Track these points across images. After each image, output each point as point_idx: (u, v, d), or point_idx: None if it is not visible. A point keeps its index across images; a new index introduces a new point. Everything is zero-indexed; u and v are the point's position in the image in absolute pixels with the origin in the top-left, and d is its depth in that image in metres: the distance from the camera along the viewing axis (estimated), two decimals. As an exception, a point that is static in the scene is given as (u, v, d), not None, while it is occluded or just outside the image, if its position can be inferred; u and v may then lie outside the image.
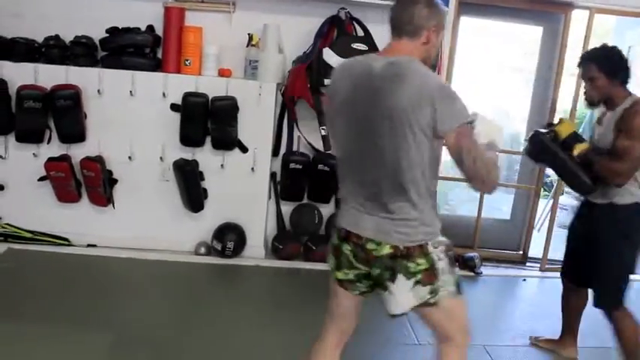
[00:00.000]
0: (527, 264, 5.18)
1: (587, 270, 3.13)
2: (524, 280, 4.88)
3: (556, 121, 3.37)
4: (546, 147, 3.02)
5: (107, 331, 3.19)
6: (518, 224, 5.28)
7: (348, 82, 2.10)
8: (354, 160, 2.13)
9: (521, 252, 5.25)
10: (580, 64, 3.05)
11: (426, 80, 1.95)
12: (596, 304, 3.10)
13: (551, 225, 5.16)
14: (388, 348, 3.45)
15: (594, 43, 4.83)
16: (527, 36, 5.16)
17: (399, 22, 2.09)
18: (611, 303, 3.04)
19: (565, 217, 6.73)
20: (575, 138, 2.99)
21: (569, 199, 7.03)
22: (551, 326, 3.71)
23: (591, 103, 3.05)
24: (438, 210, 2.15)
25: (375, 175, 2.05)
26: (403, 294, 2.06)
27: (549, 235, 5.08)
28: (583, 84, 3.07)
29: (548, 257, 5.07)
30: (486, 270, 4.83)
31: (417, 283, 2.03)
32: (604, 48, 3.10)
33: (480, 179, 1.94)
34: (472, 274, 4.65)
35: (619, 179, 2.85)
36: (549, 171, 5.37)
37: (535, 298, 4.72)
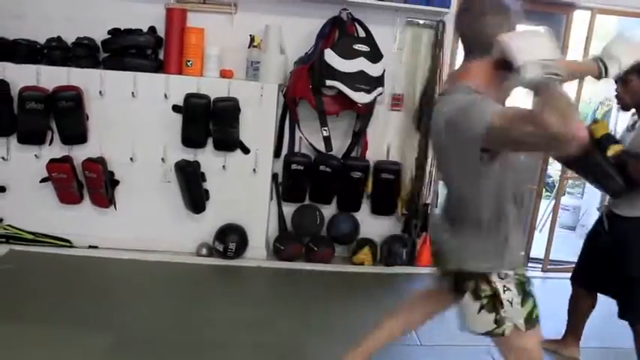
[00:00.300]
0: (529, 265, 5.17)
1: (608, 280, 3.08)
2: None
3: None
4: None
5: (108, 332, 3.19)
6: (519, 225, 5.26)
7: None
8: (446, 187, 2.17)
9: (522, 253, 5.23)
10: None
11: (449, 106, 1.83)
12: (622, 317, 3.06)
13: (552, 226, 5.15)
14: (390, 349, 3.43)
15: (594, 44, 4.85)
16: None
17: (466, 39, 1.90)
18: (638, 317, 2.99)
19: (567, 218, 6.75)
20: (610, 139, 2.89)
21: (572, 200, 7.04)
22: (554, 327, 3.69)
23: (624, 107, 2.97)
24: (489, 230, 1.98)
25: (446, 203, 2.17)
26: (470, 314, 2.02)
27: (551, 236, 5.07)
28: (615, 87, 2.94)
29: (550, 258, 5.06)
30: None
31: (483, 307, 1.97)
32: None
33: (561, 144, 1.52)
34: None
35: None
36: (551, 171, 5.36)
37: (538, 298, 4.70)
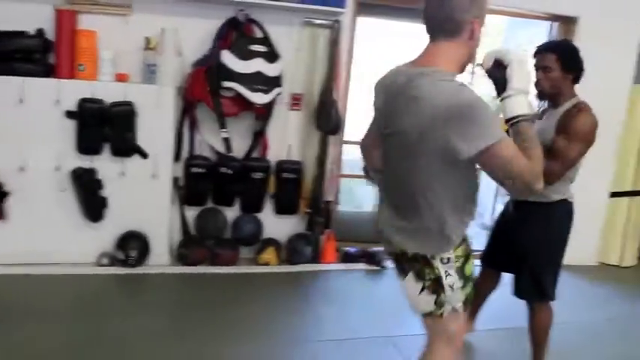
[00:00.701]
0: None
1: (513, 260, 3.16)
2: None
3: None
4: None
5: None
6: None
7: (382, 97, 2.03)
8: (386, 172, 2.13)
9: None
10: (537, 53, 2.96)
11: (435, 104, 1.76)
12: (519, 295, 3.17)
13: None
14: (298, 346, 3.49)
15: (488, 43, 5.07)
16: (423, 35, 5.32)
17: (435, 20, 1.86)
18: (536, 295, 3.13)
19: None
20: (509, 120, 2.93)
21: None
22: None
23: (541, 94, 2.99)
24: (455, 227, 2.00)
25: (398, 191, 2.07)
26: (412, 294, 2.11)
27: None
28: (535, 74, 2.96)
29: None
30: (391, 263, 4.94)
31: (424, 288, 2.05)
32: (567, 42, 3.15)
33: (521, 192, 1.89)
34: (378, 268, 4.76)
35: (551, 178, 2.72)
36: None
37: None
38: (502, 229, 3.37)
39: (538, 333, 3.23)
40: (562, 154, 2.83)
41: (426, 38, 1.94)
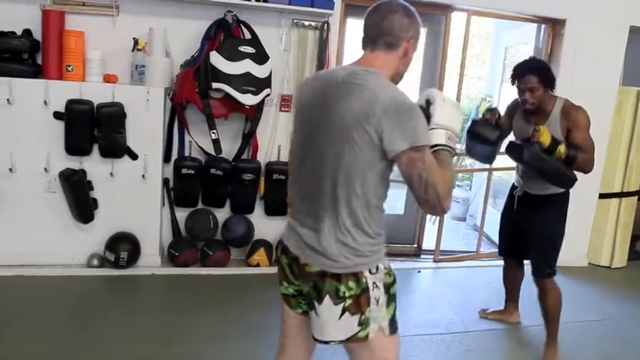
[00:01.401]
0: (422, 256, 5.37)
1: (529, 247, 3.59)
2: (419, 271, 5.06)
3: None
4: (541, 158, 3.24)
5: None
6: (412, 218, 5.46)
7: (311, 90, 1.99)
8: (299, 171, 2.01)
9: (415, 245, 5.43)
10: (519, 76, 3.36)
11: (377, 94, 1.78)
12: (539, 274, 3.54)
13: (442, 217, 5.37)
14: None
15: (478, 44, 5.09)
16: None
17: (376, 32, 1.94)
18: (549, 273, 3.51)
19: (457, 210, 7.05)
20: (555, 141, 3.22)
21: (461, 192, 7.37)
22: (446, 314, 3.88)
23: (531, 111, 3.41)
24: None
25: (314, 189, 1.91)
26: (330, 321, 1.89)
27: (441, 227, 5.28)
28: (518, 92, 3.41)
29: (441, 249, 5.27)
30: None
31: (345, 310, 1.85)
32: (538, 60, 3.53)
33: (431, 206, 1.78)
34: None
35: (591, 167, 3.34)
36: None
37: (430, 288, 4.89)
38: (514, 222, 3.73)
39: (553, 310, 3.53)
40: (587, 145, 3.29)
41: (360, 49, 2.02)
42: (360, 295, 1.86)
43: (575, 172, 3.33)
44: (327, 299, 1.86)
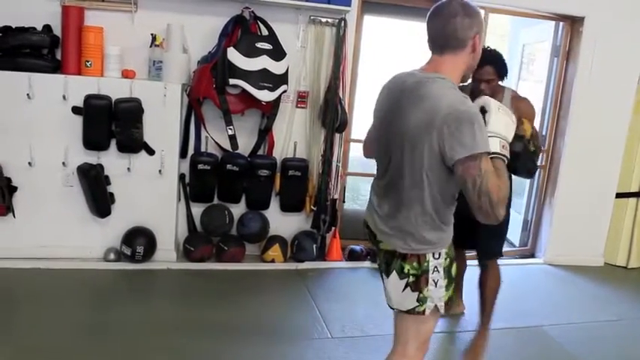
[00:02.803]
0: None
1: (483, 235, 3.43)
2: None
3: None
4: (528, 149, 3.16)
5: (6, 344, 3.07)
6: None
7: (386, 97, 2.15)
8: (380, 168, 2.20)
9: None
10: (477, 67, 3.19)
11: (439, 103, 1.89)
12: (487, 257, 3.58)
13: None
14: (302, 342, 3.50)
15: (494, 42, 5.07)
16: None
17: (441, 38, 2.02)
18: (497, 254, 3.59)
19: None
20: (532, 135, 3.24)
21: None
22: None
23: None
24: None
25: (394, 184, 2.09)
26: (395, 292, 2.13)
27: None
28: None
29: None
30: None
31: (408, 286, 2.08)
32: (496, 52, 3.45)
33: (484, 213, 1.87)
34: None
35: (539, 152, 3.35)
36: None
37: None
38: (461, 210, 3.53)
39: (493, 289, 3.54)
40: (537, 136, 3.21)
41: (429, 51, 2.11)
42: (421, 275, 2.07)
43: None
44: (393, 274, 2.12)
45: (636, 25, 5.10)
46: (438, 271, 2.07)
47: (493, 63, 3.35)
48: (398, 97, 2.05)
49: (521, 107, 3.34)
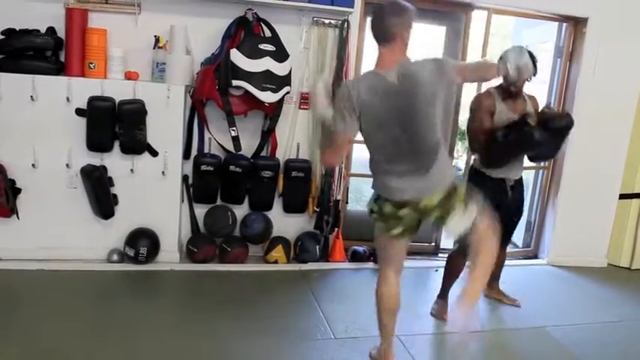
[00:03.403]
0: (440, 255, 5.35)
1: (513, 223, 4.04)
2: (437, 270, 5.03)
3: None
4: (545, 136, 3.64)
5: (11, 345, 3.08)
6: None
7: (377, 97, 2.66)
8: (400, 149, 2.73)
9: (433, 244, 5.42)
10: None
11: (425, 64, 2.68)
12: (509, 241, 4.21)
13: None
14: (305, 343, 3.50)
15: (497, 43, 5.05)
16: (432, 35, 5.33)
17: (381, 34, 2.70)
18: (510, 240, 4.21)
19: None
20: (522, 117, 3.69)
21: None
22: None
23: (514, 96, 3.80)
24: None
25: (418, 153, 2.72)
26: (460, 216, 2.73)
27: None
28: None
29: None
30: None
31: (464, 203, 2.74)
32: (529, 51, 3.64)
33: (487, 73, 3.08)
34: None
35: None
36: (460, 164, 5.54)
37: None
38: (509, 209, 3.91)
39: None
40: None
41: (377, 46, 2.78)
42: (467, 191, 2.81)
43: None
44: (456, 205, 2.74)
45: (639, 25, 5.09)
46: (468, 186, 2.89)
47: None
48: (394, 88, 2.65)
49: (532, 98, 3.90)
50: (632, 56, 5.13)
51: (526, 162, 4.01)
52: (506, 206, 3.83)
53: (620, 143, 5.27)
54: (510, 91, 3.75)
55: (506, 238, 4.01)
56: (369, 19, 4.76)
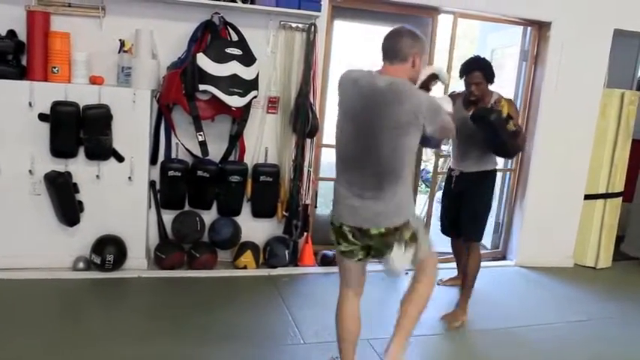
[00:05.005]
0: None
1: (464, 220, 4.14)
2: (407, 273, 5.04)
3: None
4: (502, 122, 3.73)
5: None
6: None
7: (355, 91, 2.69)
8: (355, 157, 2.72)
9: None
10: (467, 72, 3.95)
11: (419, 99, 2.63)
12: (467, 241, 4.19)
13: (428, 219, 5.39)
14: (275, 348, 3.48)
15: (465, 46, 5.10)
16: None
17: (391, 51, 2.68)
18: (479, 237, 4.19)
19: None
20: (509, 115, 3.80)
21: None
22: (434, 313, 3.88)
23: (475, 101, 3.97)
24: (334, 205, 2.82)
25: (373, 168, 2.65)
26: (399, 257, 2.70)
27: (427, 229, 5.28)
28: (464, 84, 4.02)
29: (428, 251, 5.27)
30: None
31: (406, 245, 2.69)
32: (484, 59, 4.03)
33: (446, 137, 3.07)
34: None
35: (524, 146, 4.40)
36: (429, 168, 5.56)
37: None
38: (454, 201, 4.23)
39: (474, 268, 4.10)
40: (520, 129, 3.95)
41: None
42: (412, 236, 2.73)
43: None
44: (395, 245, 2.68)
45: (602, 29, 5.20)
46: (419, 227, 2.80)
47: (481, 69, 3.91)
48: (369, 96, 2.62)
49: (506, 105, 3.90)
50: (594, 59, 5.24)
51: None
52: (449, 196, 4.30)
53: (584, 144, 5.36)
54: (467, 93, 4.04)
55: (458, 231, 4.25)
56: (336, 22, 4.83)
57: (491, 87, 4.01)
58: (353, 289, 2.95)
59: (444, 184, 4.50)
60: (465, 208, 4.12)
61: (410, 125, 2.58)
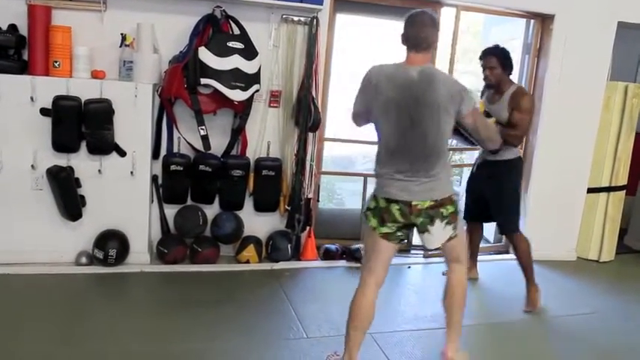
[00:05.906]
0: (412, 252, 5.36)
1: (491, 209, 4.30)
2: (409, 267, 5.06)
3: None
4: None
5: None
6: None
7: (392, 85, 2.81)
8: (404, 142, 2.83)
9: (405, 241, 5.41)
10: (484, 56, 4.13)
11: (451, 81, 2.85)
12: (502, 232, 4.53)
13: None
14: (278, 342, 3.48)
15: (469, 40, 5.08)
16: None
17: (417, 39, 2.80)
18: (514, 228, 4.26)
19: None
20: (486, 114, 4.01)
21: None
22: (436, 308, 3.86)
23: (489, 85, 4.19)
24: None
25: (421, 151, 2.82)
26: (439, 233, 2.90)
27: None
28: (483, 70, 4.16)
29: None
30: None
31: (447, 223, 2.89)
32: (502, 48, 4.15)
33: (490, 140, 3.27)
34: (359, 264, 4.74)
35: (515, 141, 4.10)
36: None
37: (419, 283, 4.89)
38: (476, 188, 4.41)
39: (524, 258, 4.24)
40: (519, 124, 4.03)
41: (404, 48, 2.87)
42: (454, 212, 2.92)
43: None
44: (437, 221, 2.87)
45: (606, 21, 5.17)
46: (459, 204, 2.98)
47: (496, 54, 4.07)
48: (411, 84, 2.77)
49: (517, 99, 4.02)
50: (598, 52, 5.21)
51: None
52: (472, 185, 4.50)
53: (588, 137, 5.34)
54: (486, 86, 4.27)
55: (480, 216, 4.47)
56: (338, 16, 4.81)
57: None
58: (375, 277, 2.99)
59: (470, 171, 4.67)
60: (496, 203, 4.25)
61: (447, 106, 2.77)
